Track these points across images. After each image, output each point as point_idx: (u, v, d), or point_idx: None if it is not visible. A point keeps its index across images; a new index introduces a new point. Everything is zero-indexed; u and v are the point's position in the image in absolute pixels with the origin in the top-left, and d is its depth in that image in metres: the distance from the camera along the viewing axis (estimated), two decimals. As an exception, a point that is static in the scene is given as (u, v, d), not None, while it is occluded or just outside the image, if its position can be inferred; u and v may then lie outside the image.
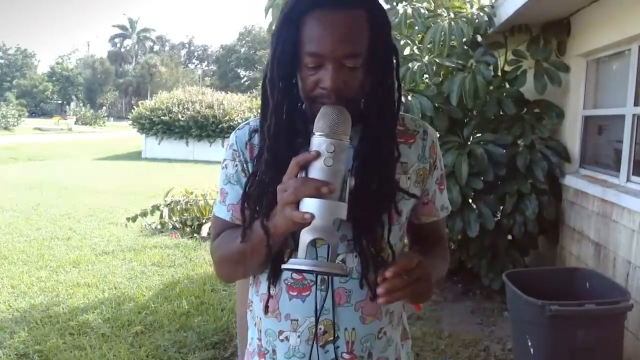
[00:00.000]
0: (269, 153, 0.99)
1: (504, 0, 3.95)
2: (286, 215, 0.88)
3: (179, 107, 18.37)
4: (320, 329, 1.03)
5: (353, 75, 0.94)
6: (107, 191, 10.19)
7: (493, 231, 3.93)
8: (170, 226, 6.59)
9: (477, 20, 4.09)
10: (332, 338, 1.04)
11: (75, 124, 41.60)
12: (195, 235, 6.26)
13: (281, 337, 1.06)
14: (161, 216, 6.54)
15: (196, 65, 79.14)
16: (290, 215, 0.87)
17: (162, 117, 18.37)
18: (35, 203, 8.62)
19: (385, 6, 4.32)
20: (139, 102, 20.68)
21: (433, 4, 4.38)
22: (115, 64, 70.24)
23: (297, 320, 1.04)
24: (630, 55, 3.28)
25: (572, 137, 4.05)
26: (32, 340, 3.43)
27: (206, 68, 77.03)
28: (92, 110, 48.13)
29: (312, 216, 0.85)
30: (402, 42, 4.13)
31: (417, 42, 4.24)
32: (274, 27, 1.02)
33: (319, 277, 1.02)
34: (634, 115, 3.25)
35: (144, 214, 6.36)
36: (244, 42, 64.43)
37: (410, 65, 3.93)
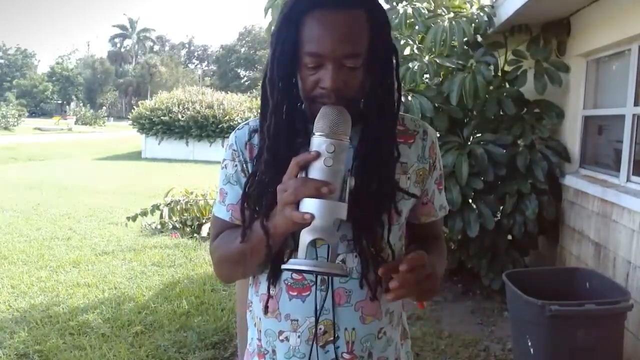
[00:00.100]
0: (269, 153, 0.99)
1: (504, 0, 3.95)
2: (286, 216, 0.88)
3: (179, 107, 18.37)
4: (320, 329, 1.03)
5: (353, 75, 0.94)
6: (107, 191, 10.19)
7: (493, 231, 3.93)
8: (170, 226, 6.59)
9: (477, 20, 4.09)
10: (332, 338, 1.04)
11: (75, 124, 41.60)
12: (195, 235, 6.26)
13: (281, 338, 1.06)
14: (161, 216, 6.54)
15: (196, 65, 79.20)
16: (290, 216, 0.87)
17: (162, 117, 18.37)
18: (35, 203, 8.62)
19: (386, 6, 4.33)
20: (139, 102, 20.68)
21: (433, 4, 4.38)
22: (115, 64, 70.24)
23: (297, 320, 1.04)
24: (630, 55, 3.28)
25: (572, 137, 4.05)
26: (32, 340, 3.43)
27: (206, 68, 77.05)
28: (92, 110, 48.13)
29: (312, 216, 0.85)
30: (402, 42, 4.13)
31: (417, 42, 4.24)
32: (273, 27, 1.02)
33: (319, 277, 1.02)
34: (634, 115, 3.25)
35: (144, 214, 6.36)
36: (244, 42, 64.44)
37: (410, 65, 3.93)
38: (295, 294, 1.04)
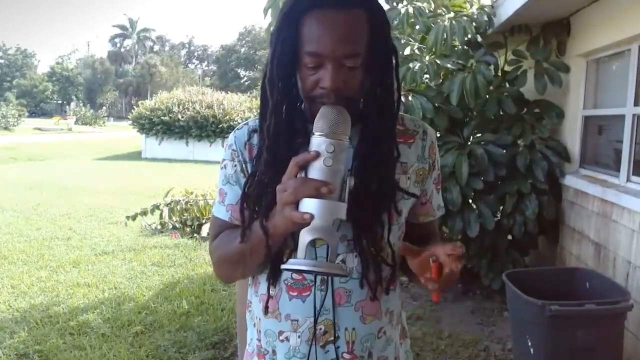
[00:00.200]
0: (269, 153, 0.99)
1: (504, 0, 3.95)
2: (285, 216, 0.88)
3: (179, 107, 18.37)
4: (320, 329, 1.03)
5: (353, 75, 0.94)
6: (107, 191, 10.19)
7: (493, 231, 3.93)
8: (170, 226, 6.59)
9: (477, 20, 4.09)
10: (332, 338, 1.04)
11: (75, 124, 41.60)
12: (195, 235, 6.27)
13: (281, 338, 1.06)
14: (161, 216, 6.54)
15: (196, 65, 79.21)
16: (289, 216, 0.87)
17: (162, 117, 18.38)
18: (35, 203, 8.62)
19: (386, 6, 4.33)
20: (139, 102, 20.68)
21: (433, 4, 4.38)
22: (115, 64, 70.25)
23: (297, 320, 1.04)
24: (630, 55, 3.28)
25: (572, 137, 4.05)
26: (32, 340, 3.43)
27: (206, 68, 77.06)
28: (92, 110, 48.14)
29: (312, 216, 0.85)
30: (402, 42, 4.13)
31: (418, 42, 4.24)
32: (273, 27, 1.02)
33: (319, 277, 1.02)
34: (634, 115, 3.25)
35: (144, 213, 6.36)
36: (244, 42, 64.43)
37: (411, 65, 3.93)
38: (295, 294, 1.04)
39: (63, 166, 15.02)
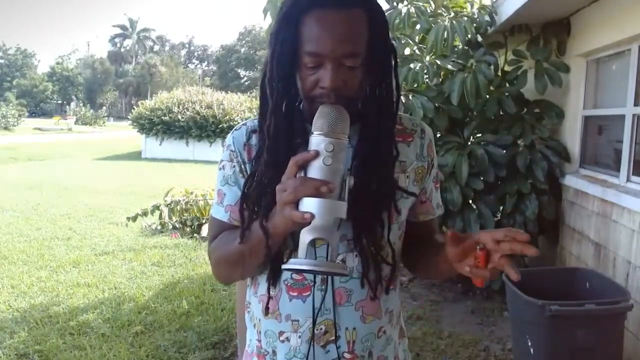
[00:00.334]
0: (269, 153, 0.99)
1: (504, 0, 3.95)
2: (286, 215, 0.87)
3: (179, 107, 18.36)
4: (321, 329, 1.03)
5: (352, 75, 0.94)
6: (107, 191, 10.19)
7: (493, 231, 3.92)
8: (170, 226, 6.59)
9: (477, 20, 4.09)
10: (333, 338, 1.03)
11: (75, 124, 41.59)
12: (195, 235, 6.27)
13: (282, 338, 1.06)
14: (161, 216, 6.54)
15: (196, 65, 79.21)
16: (289, 215, 0.86)
17: (162, 117, 18.37)
18: (35, 203, 8.62)
19: (386, 6, 4.32)
20: (139, 102, 20.67)
21: (433, 5, 4.38)
22: (115, 64, 70.25)
23: (297, 320, 1.04)
24: (630, 55, 3.28)
25: (572, 137, 4.05)
26: (32, 340, 3.43)
27: (206, 68, 77.06)
28: (92, 110, 48.14)
29: (312, 216, 0.84)
30: (402, 42, 4.13)
31: (418, 42, 4.24)
32: (272, 27, 1.02)
33: (319, 277, 1.02)
34: (634, 115, 3.25)
35: (144, 214, 6.36)
36: (244, 42, 64.43)
37: (412, 65, 3.93)
38: (295, 294, 1.03)
39: (63, 166, 15.02)
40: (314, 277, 1.02)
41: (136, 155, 19.19)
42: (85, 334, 3.54)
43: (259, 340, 1.10)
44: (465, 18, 4.03)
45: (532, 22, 4.09)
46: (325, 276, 1.02)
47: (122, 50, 74.27)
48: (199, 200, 6.55)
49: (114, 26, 75.16)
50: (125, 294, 4.36)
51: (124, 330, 3.60)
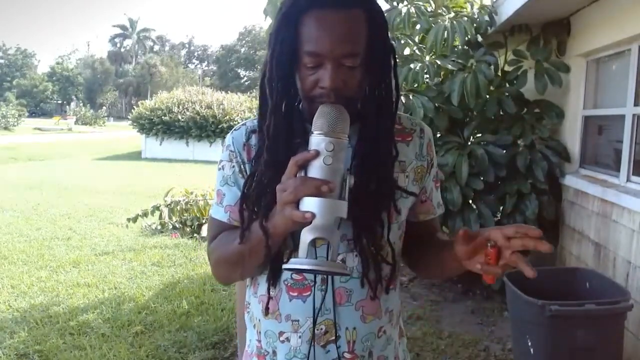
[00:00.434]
0: (268, 153, 0.98)
1: (504, 0, 3.95)
2: (286, 215, 0.87)
3: (179, 107, 18.36)
4: (321, 328, 1.03)
5: (352, 75, 0.94)
6: (107, 191, 10.19)
7: (493, 231, 3.92)
8: (170, 226, 6.59)
9: (477, 19, 4.09)
10: (333, 338, 1.03)
11: (75, 124, 41.60)
12: (195, 235, 6.27)
13: (282, 338, 1.06)
14: (161, 216, 6.54)
15: (196, 65, 79.20)
16: (290, 215, 0.86)
17: (162, 117, 18.37)
18: (35, 203, 8.62)
19: (386, 6, 4.33)
20: (139, 102, 20.67)
21: (434, 4, 4.38)
22: (115, 64, 70.27)
23: (297, 321, 1.04)
24: (630, 55, 3.28)
25: (572, 137, 4.05)
26: (32, 340, 3.43)
27: (206, 68, 77.05)
28: (92, 110, 48.14)
29: (313, 215, 0.84)
30: (402, 42, 4.13)
31: (417, 42, 4.24)
32: (271, 27, 1.02)
33: (319, 277, 1.02)
34: (634, 115, 3.25)
35: (144, 215, 6.36)
36: (244, 42, 64.43)
37: (412, 65, 3.93)
38: (295, 294, 1.03)
39: (63, 166, 15.02)
40: (315, 277, 1.02)
41: (136, 155, 19.19)
42: (85, 334, 3.54)
43: (259, 341, 1.10)
44: (465, 18, 4.02)
45: (532, 22, 4.09)
46: (325, 276, 1.02)
47: (122, 50, 74.27)
48: (199, 200, 6.55)
49: (114, 26, 75.32)
50: (125, 294, 4.36)
51: (124, 330, 3.60)
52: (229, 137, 1.10)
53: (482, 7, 4.25)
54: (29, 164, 15.70)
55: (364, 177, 0.97)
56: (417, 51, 4.15)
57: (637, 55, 3.20)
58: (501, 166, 3.92)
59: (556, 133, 4.17)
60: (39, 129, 34.96)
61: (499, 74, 4.23)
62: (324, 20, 0.92)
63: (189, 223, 6.50)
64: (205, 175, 11.96)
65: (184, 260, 5.34)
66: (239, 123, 1.15)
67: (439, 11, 4.27)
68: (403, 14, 4.05)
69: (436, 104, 3.97)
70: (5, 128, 31.85)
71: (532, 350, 2.61)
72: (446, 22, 3.95)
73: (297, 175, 0.88)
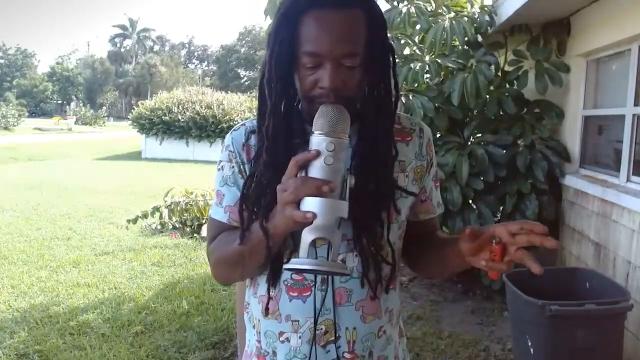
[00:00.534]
0: (267, 154, 0.98)
1: (504, 0, 3.95)
2: (287, 215, 0.87)
3: (179, 107, 18.36)
4: (321, 329, 1.03)
5: (351, 75, 0.94)
6: (107, 191, 10.19)
7: (493, 231, 3.92)
8: (170, 226, 6.59)
9: (478, 19, 4.09)
10: (333, 338, 1.03)
11: (75, 124, 41.59)
12: (195, 235, 6.27)
13: (282, 339, 1.05)
14: (161, 216, 6.54)
15: (196, 65, 79.18)
16: (291, 215, 0.86)
17: (162, 117, 18.37)
18: (35, 203, 8.62)
19: (387, 6, 4.33)
20: (139, 102, 20.66)
21: (434, 4, 4.38)
22: (115, 64, 70.26)
23: (297, 321, 1.04)
24: (630, 55, 3.28)
25: (572, 137, 4.05)
26: (32, 340, 3.43)
27: (206, 68, 77.04)
28: (92, 110, 48.13)
29: (314, 215, 0.84)
30: (402, 42, 4.13)
31: (417, 41, 4.24)
32: (270, 27, 1.02)
33: (319, 277, 1.02)
34: (634, 115, 3.25)
35: (144, 216, 6.36)
36: (244, 42, 64.41)
37: (412, 65, 3.93)
38: (295, 294, 1.03)
39: (63, 166, 15.02)
40: (315, 277, 1.02)
41: (136, 155, 19.19)
42: (85, 334, 3.54)
43: (259, 341, 1.10)
44: (466, 18, 4.03)
45: (532, 22, 4.09)
46: (325, 276, 1.01)
47: (122, 50, 74.26)
48: (199, 201, 6.55)
49: (114, 26, 75.28)
50: (125, 294, 4.36)
51: (124, 330, 3.60)
52: (228, 137, 1.10)
53: (482, 7, 4.25)
54: (29, 164, 15.70)
55: (364, 177, 0.97)
56: (417, 51, 4.15)
57: (637, 55, 3.20)
58: (501, 166, 3.92)
59: (556, 133, 4.17)
60: (39, 129, 34.96)
61: (499, 74, 4.23)
62: (324, 20, 0.92)
63: (189, 223, 6.50)
64: (205, 175, 11.96)
65: (184, 260, 5.34)
66: (238, 123, 1.15)
67: (439, 11, 4.27)
68: (403, 14, 4.05)
69: (436, 104, 3.97)
70: (5, 128, 31.85)
71: (532, 350, 2.61)
72: (446, 22, 3.95)
73: (298, 175, 0.88)
